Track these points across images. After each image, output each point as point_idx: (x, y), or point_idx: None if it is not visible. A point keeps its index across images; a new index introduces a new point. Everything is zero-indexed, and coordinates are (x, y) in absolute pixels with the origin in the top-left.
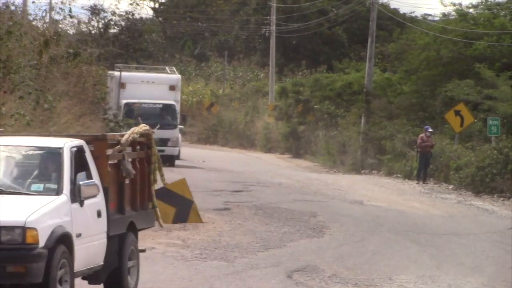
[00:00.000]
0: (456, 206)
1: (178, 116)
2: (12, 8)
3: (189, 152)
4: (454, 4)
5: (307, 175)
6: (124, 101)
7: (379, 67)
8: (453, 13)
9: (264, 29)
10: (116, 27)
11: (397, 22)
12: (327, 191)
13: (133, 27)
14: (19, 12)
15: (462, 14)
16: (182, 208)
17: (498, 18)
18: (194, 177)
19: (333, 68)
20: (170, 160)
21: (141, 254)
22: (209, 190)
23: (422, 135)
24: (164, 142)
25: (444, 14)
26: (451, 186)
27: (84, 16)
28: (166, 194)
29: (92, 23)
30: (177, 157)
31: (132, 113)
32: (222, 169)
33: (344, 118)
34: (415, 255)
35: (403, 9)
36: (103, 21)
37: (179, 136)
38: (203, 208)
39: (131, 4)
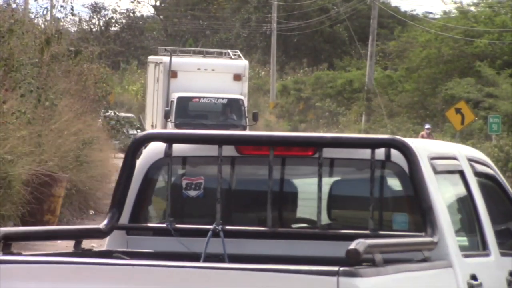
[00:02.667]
0: None
1: (246, 114)
2: (14, 6)
3: None
4: (455, 2)
5: None
6: (177, 94)
7: (380, 65)
8: (454, 11)
9: (265, 27)
10: (117, 25)
11: (398, 20)
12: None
13: (134, 25)
14: (21, 10)
15: (463, 12)
16: None
17: (499, 16)
18: None
19: (334, 66)
20: None
21: None
22: None
23: (422, 133)
24: None
25: (445, 12)
26: None
27: (85, 14)
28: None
29: (93, 21)
30: None
31: (187, 110)
32: None
33: (345, 116)
34: None
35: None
36: (104, 19)
37: None
38: None
39: (132, 2)
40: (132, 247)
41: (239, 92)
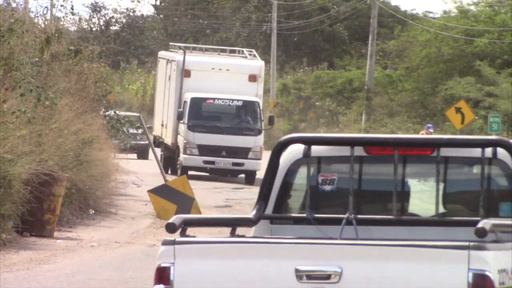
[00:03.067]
0: None
1: (262, 117)
2: (14, 5)
3: None
4: (455, 1)
5: None
6: (190, 95)
7: (380, 64)
8: (454, 10)
9: (265, 27)
10: (117, 24)
11: (398, 19)
12: None
13: (134, 24)
14: (21, 10)
15: (463, 11)
16: (183, 205)
17: (499, 15)
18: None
19: (334, 65)
20: (249, 177)
21: (142, 252)
22: (210, 187)
23: (422, 132)
24: (243, 152)
25: (445, 11)
26: None
27: (85, 13)
28: (167, 191)
29: (93, 20)
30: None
31: (200, 111)
32: None
33: (345, 115)
34: None
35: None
36: (104, 18)
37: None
38: (204, 205)
39: (132, 1)
40: (275, 235)
41: (254, 93)
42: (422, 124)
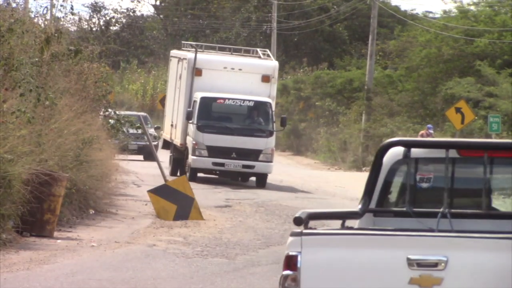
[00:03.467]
0: None
1: (274, 118)
2: (14, 5)
3: None
4: (455, 1)
5: (308, 172)
6: (200, 94)
7: (380, 64)
8: (454, 10)
9: (265, 27)
10: (117, 24)
11: (398, 19)
12: (328, 188)
13: (134, 24)
14: (21, 10)
15: (463, 11)
16: (183, 205)
17: (499, 15)
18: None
19: (334, 65)
20: (260, 180)
21: (142, 252)
22: (210, 187)
23: (422, 132)
24: (254, 154)
25: (445, 11)
26: None
27: (85, 13)
28: (167, 191)
29: (94, 20)
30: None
31: (210, 111)
32: None
33: (345, 115)
34: None
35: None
36: (104, 18)
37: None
38: (204, 205)
39: (132, 1)
40: (377, 227)
41: (267, 94)
42: (422, 124)
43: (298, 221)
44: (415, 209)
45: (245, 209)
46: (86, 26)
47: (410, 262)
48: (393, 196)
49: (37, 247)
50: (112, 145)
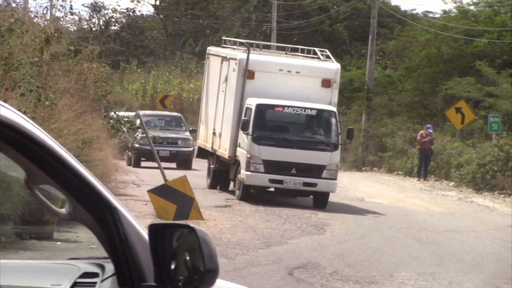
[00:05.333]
0: (457, 203)
1: (339, 129)
2: (14, 5)
3: None
4: (455, 1)
5: None
6: (255, 100)
7: (380, 64)
8: (454, 10)
9: (265, 27)
10: (117, 24)
11: (398, 19)
12: None
13: (134, 24)
14: (20, 10)
15: (463, 11)
16: (183, 205)
17: (499, 15)
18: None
19: None
20: (320, 200)
21: None
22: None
23: (422, 131)
24: (316, 171)
25: (445, 11)
26: (452, 183)
27: (85, 13)
28: (167, 191)
29: (93, 20)
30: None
31: (266, 121)
32: None
33: (345, 115)
34: (416, 252)
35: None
36: (104, 18)
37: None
38: (204, 205)
39: (132, 1)
40: None
41: (327, 101)
42: (422, 124)
43: None
44: None
45: (244, 209)
46: (86, 26)
47: None
48: None
49: (36, 249)
50: (113, 145)
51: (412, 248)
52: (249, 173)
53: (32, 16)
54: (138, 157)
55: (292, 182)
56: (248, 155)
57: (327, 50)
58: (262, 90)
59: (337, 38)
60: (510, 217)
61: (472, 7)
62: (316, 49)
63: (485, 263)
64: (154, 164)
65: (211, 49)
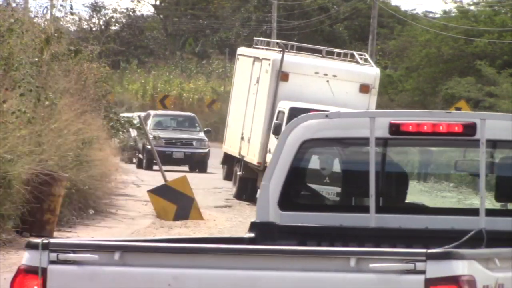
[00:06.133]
0: (456, 204)
1: None
2: (14, 5)
3: None
4: (455, 1)
5: None
6: (288, 104)
7: (380, 64)
8: (454, 10)
9: (265, 26)
10: (117, 24)
11: (398, 19)
12: None
13: (134, 24)
14: (21, 9)
15: (463, 11)
16: (183, 205)
17: (499, 15)
18: None
19: None
20: None
21: None
22: (210, 187)
23: None
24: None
25: (445, 12)
26: (451, 184)
27: (85, 13)
28: (167, 191)
29: (93, 20)
30: None
31: None
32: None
33: None
34: None
35: (404, 7)
36: (104, 18)
37: None
38: (204, 205)
39: (132, 1)
40: None
41: (365, 108)
42: None
43: None
44: None
45: (245, 209)
46: (86, 26)
47: None
48: None
49: None
50: (113, 145)
51: None
52: None
53: (32, 16)
54: (151, 159)
55: (325, 192)
56: None
57: (366, 54)
58: (296, 93)
59: (337, 38)
60: None
61: (472, 7)
62: (355, 52)
63: None
64: (168, 167)
65: (241, 49)
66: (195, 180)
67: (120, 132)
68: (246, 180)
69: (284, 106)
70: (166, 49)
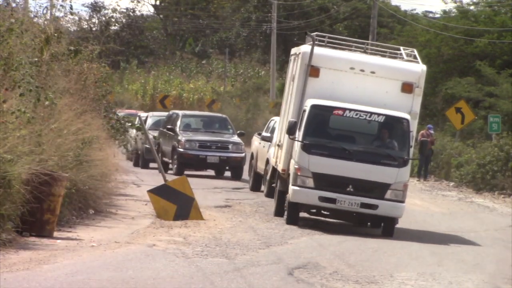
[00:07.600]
0: (457, 203)
1: (412, 142)
2: (13, 5)
3: None
4: (455, 1)
5: None
6: (311, 101)
7: None
8: (454, 10)
9: (265, 26)
10: (117, 24)
11: (398, 19)
12: None
13: (134, 24)
14: (20, 9)
15: (463, 12)
16: (183, 205)
17: (498, 15)
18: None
19: None
20: (385, 226)
21: (142, 252)
22: (210, 187)
23: (422, 131)
24: (379, 190)
25: (445, 12)
26: (452, 183)
27: (85, 13)
28: (167, 191)
29: (93, 20)
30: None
31: (323, 126)
32: None
33: None
34: (416, 252)
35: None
36: (104, 18)
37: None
38: (204, 205)
39: (132, 1)
40: None
41: (407, 109)
42: (422, 124)
43: None
44: None
45: (245, 209)
46: (86, 26)
47: None
48: None
49: (37, 247)
50: (114, 146)
51: (412, 248)
52: (296, 188)
53: (32, 16)
54: (182, 163)
55: (348, 202)
56: (296, 166)
57: (415, 50)
58: (328, 91)
59: None
60: (510, 217)
61: (472, 7)
62: (401, 48)
63: (485, 263)
64: (203, 173)
65: (293, 50)
66: (195, 180)
67: (119, 134)
68: (282, 193)
69: (308, 104)
70: (166, 49)
